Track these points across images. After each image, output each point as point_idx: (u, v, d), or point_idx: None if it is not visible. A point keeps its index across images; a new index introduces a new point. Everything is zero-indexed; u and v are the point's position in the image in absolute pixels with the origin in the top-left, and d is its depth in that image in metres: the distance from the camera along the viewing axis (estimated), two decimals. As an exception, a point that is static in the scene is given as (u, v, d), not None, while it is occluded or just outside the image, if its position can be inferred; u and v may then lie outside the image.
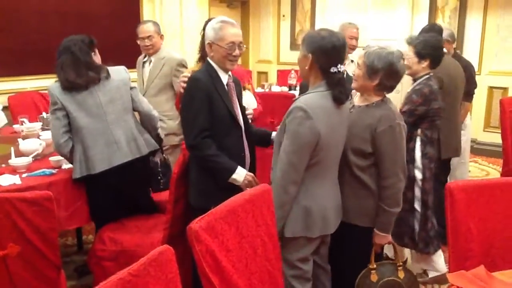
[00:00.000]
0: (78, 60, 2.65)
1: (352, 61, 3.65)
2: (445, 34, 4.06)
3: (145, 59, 3.81)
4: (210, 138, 2.30)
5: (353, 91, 2.36)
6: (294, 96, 3.85)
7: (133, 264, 1.19)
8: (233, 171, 2.31)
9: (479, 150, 5.95)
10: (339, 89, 2.03)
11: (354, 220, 2.24)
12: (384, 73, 2.13)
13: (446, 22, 6.25)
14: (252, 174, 2.39)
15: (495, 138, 5.39)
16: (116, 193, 2.72)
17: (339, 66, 2.02)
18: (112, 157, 2.65)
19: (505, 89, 6.06)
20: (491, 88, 6.05)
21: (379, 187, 2.19)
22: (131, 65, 4.12)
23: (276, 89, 5.87)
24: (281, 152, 2.06)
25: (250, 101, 3.04)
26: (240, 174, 2.33)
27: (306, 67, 2.07)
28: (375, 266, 2.25)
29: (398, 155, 2.15)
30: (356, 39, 3.80)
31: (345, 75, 2.18)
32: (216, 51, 2.34)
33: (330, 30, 2.13)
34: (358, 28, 4.08)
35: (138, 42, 3.74)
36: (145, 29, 3.69)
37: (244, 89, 2.98)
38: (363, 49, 2.25)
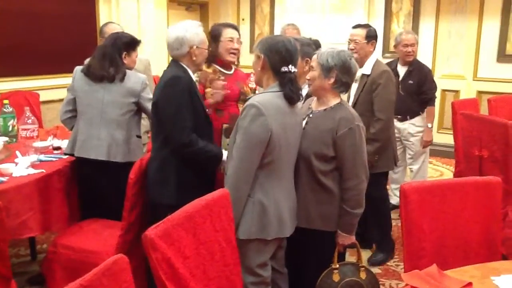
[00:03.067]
0: (105, 54, 2.87)
1: None
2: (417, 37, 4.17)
3: None
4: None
5: (311, 97, 2.40)
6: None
7: (86, 274, 1.16)
8: (222, 155, 2.46)
9: (433, 151, 6.10)
10: (290, 88, 2.08)
11: (317, 225, 2.26)
12: (339, 69, 2.18)
13: (401, 26, 6.43)
14: None
15: (448, 139, 5.59)
16: (90, 187, 2.84)
17: (290, 66, 2.09)
18: (90, 150, 2.80)
19: (456, 91, 6.29)
20: (443, 91, 6.26)
21: (341, 189, 2.22)
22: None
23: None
24: (234, 150, 2.09)
25: None
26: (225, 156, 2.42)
27: (259, 68, 2.14)
28: (337, 266, 2.27)
29: (359, 156, 2.19)
30: None
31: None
32: (201, 54, 2.48)
33: (283, 35, 2.22)
34: (299, 29, 4.17)
35: None
36: (116, 27, 3.78)
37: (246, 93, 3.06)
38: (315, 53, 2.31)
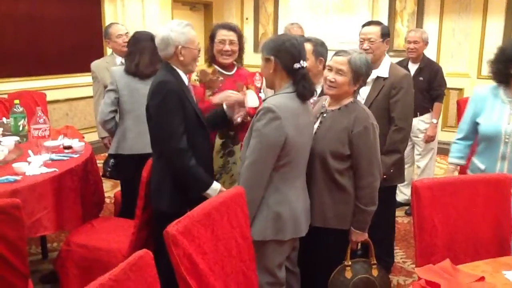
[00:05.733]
0: (155, 50, 2.85)
1: None
2: (425, 36, 4.21)
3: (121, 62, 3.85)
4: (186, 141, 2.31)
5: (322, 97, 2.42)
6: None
7: (114, 269, 1.19)
8: (208, 186, 2.32)
9: (437, 148, 6.18)
10: (303, 84, 2.07)
11: (332, 224, 2.26)
12: (365, 75, 2.22)
13: (405, 25, 6.46)
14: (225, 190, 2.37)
15: (452, 137, 5.59)
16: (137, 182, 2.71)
17: (302, 62, 2.07)
18: (142, 146, 2.88)
19: (460, 90, 6.31)
20: (448, 89, 6.25)
21: (356, 187, 2.23)
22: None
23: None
24: (248, 152, 2.07)
25: (252, 100, 3.09)
26: (214, 190, 2.33)
27: (271, 71, 2.10)
28: (350, 263, 2.29)
29: (373, 154, 2.21)
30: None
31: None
32: (188, 54, 2.36)
33: (286, 34, 2.21)
34: (303, 29, 4.15)
35: (116, 40, 3.84)
36: (121, 28, 3.91)
37: (248, 88, 3.02)
38: (339, 55, 2.24)
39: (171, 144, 2.27)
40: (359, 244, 2.39)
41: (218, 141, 2.86)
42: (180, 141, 2.27)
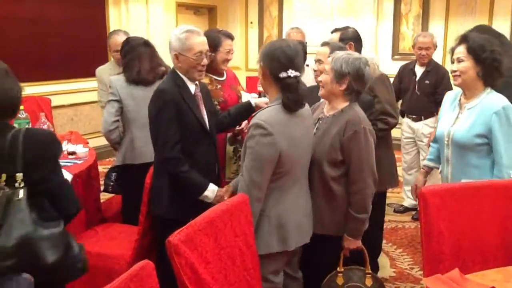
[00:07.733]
0: (155, 53, 3.02)
1: (307, 65, 3.31)
2: (435, 41, 4.17)
3: None
4: (182, 150, 2.29)
5: (322, 101, 2.38)
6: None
7: (115, 280, 1.17)
8: (204, 188, 2.30)
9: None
10: (287, 95, 1.99)
11: (328, 230, 2.22)
12: (352, 77, 2.15)
13: (410, 28, 6.43)
14: (223, 189, 2.35)
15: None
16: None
17: (289, 71, 1.97)
18: (151, 154, 2.76)
19: (466, 93, 6.27)
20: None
21: (347, 192, 2.18)
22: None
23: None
24: (243, 169, 2.04)
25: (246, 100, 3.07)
26: (211, 191, 2.31)
27: (261, 77, 2.09)
28: (343, 269, 2.25)
29: (365, 160, 2.14)
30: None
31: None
32: (184, 61, 2.32)
33: (284, 39, 2.15)
34: (303, 33, 4.14)
35: (113, 54, 3.76)
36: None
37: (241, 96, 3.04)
38: (329, 56, 2.27)
39: (163, 153, 2.29)
40: None
41: (229, 148, 2.89)
42: (172, 150, 2.26)
